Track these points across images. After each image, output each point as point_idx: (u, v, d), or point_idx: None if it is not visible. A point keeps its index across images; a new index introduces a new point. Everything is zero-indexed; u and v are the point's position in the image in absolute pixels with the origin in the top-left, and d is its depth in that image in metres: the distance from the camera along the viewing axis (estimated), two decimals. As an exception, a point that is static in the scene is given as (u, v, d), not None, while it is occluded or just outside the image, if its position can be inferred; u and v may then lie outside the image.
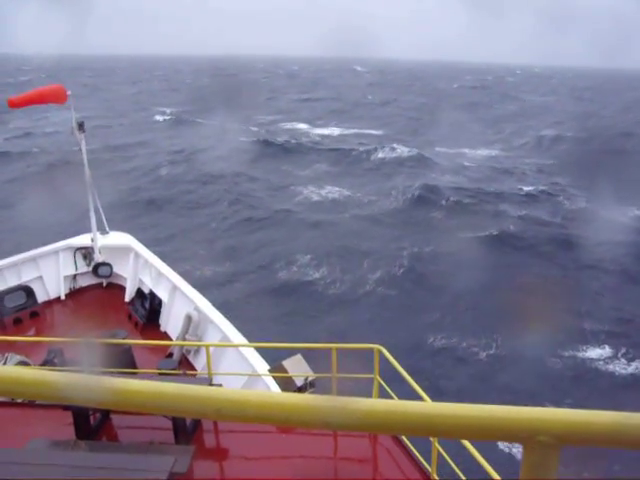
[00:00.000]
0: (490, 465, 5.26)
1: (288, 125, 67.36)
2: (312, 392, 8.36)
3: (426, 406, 1.26)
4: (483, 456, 5.40)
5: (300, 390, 8.60)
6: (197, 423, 7.55)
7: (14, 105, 11.24)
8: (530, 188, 36.50)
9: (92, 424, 7.44)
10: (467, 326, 18.48)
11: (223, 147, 46.51)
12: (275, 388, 8.39)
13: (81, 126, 12.54)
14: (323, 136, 59.96)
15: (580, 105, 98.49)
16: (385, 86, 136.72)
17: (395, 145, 49.74)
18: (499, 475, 5.17)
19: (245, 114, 68.23)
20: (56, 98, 11.84)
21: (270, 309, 19.54)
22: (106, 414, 7.67)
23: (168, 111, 73.50)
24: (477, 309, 19.46)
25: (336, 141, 56.34)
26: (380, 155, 46.51)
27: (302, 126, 67.62)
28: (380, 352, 7.09)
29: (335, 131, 63.49)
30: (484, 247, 24.99)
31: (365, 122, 69.73)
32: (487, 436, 1.24)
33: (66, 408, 7.11)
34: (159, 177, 38.66)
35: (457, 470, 5.99)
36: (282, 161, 44.26)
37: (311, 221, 29.24)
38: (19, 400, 9.28)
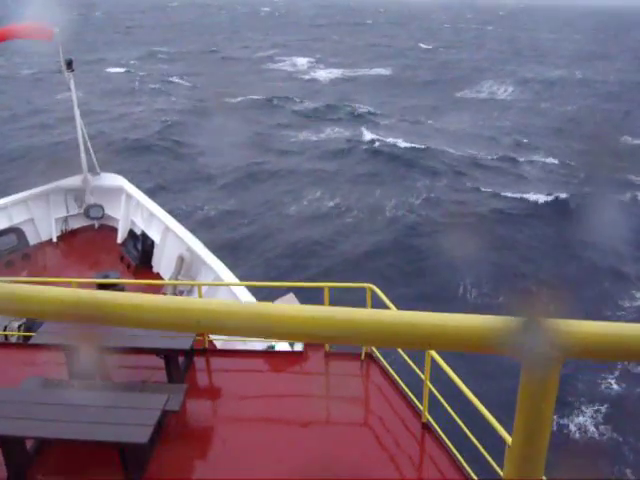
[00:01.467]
0: (483, 405, 5.27)
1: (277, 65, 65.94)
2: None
3: (420, 315, 1.16)
4: (475, 394, 5.40)
5: None
6: (190, 362, 7.59)
7: None
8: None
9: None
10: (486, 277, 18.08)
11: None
12: None
13: (70, 64, 12.22)
14: (312, 80, 58.79)
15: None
16: (378, 26, 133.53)
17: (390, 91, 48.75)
18: (492, 415, 5.18)
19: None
20: (40, 35, 11.38)
21: (272, 251, 19.43)
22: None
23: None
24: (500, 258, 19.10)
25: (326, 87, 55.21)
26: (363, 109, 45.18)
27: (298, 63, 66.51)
28: (372, 291, 7.06)
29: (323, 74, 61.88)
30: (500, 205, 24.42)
31: (358, 62, 68.32)
32: (482, 348, 1.13)
33: (60, 348, 7.13)
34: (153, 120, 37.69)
35: (449, 408, 6.01)
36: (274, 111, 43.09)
37: (310, 169, 28.71)
38: (12, 340, 9.32)
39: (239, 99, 44.61)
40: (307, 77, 59.30)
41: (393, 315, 1.17)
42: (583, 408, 12.68)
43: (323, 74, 60.86)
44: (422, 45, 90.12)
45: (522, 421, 1.19)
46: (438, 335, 1.14)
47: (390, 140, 33.15)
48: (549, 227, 21.86)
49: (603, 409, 12.71)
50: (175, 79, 52.71)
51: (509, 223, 21.98)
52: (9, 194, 13.33)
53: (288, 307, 1.21)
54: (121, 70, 56.98)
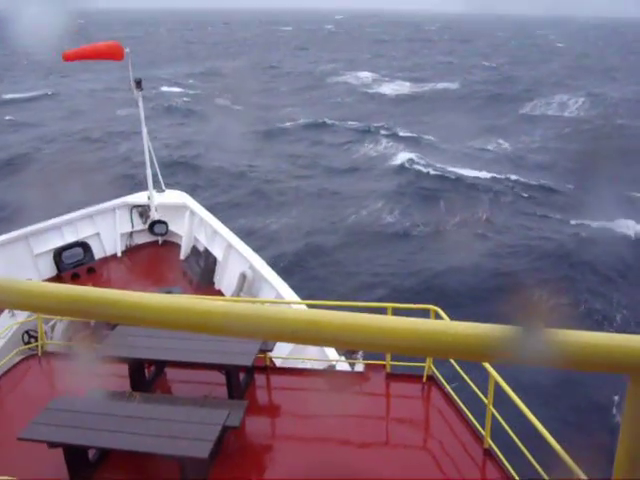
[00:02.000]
0: (550, 433, 5.06)
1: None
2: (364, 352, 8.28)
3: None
4: (541, 422, 5.20)
5: (354, 350, 8.53)
6: (251, 379, 7.61)
7: (68, 59, 11.24)
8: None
9: (147, 377, 7.58)
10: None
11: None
12: (329, 349, 8.33)
13: (139, 84, 12.61)
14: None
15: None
16: (443, 43, 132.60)
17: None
18: (558, 443, 4.97)
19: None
20: (112, 55, 11.78)
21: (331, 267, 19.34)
22: (161, 367, 7.80)
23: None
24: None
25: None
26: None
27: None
28: (436, 313, 6.94)
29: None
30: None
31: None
32: (589, 366, 1.11)
33: (122, 360, 7.29)
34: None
35: (513, 435, 5.80)
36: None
37: (370, 187, 28.48)
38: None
39: (296, 120, 44.68)
40: (371, 91, 59.56)
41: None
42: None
43: (386, 90, 60.76)
44: (485, 63, 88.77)
45: (627, 435, 1.15)
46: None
47: (452, 162, 32.61)
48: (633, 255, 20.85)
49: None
50: (229, 99, 52.31)
51: (586, 249, 21.10)
52: (56, 206, 13.67)
53: (377, 318, 1.22)
54: (176, 89, 57.62)
